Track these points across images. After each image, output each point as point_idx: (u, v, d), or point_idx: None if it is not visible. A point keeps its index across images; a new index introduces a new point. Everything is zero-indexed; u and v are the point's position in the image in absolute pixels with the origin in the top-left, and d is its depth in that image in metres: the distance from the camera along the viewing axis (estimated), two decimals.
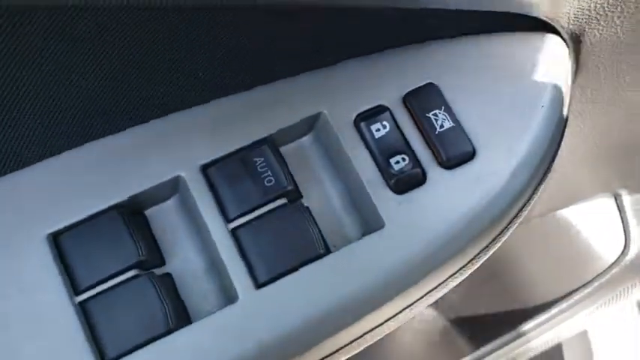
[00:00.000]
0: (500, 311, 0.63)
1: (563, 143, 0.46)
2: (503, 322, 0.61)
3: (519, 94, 0.31)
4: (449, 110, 0.30)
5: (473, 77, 0.31)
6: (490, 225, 0.30)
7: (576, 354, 0.93)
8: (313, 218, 0.29)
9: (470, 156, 0.30)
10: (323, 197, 0.31)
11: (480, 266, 0.69)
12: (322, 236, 0.29)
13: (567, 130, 0.44)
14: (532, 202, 0.32)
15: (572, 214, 0.58)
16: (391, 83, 0.31)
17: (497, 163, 0.29)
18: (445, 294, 0.75)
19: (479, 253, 0.31)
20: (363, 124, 0.30)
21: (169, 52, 0.28)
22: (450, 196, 0.29)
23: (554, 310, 0.59)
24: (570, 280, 0.59)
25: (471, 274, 0.73)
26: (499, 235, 0.31)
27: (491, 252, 0.32)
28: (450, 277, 0.31)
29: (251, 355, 0.27)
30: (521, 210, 0.31)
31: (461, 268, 0.31)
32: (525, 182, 0.30)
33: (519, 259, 0.61)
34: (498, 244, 0.32)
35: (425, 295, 0.30)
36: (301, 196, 0.30)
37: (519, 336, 0.60)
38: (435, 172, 0.30)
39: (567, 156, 0.49)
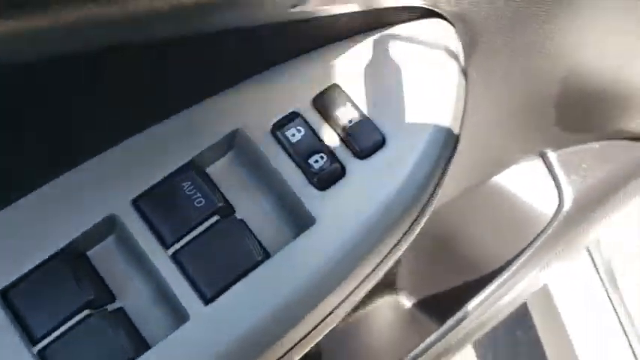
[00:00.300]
0: (458, 284, 0.66)
1: (480, 115, 0.49)
2: (464, 293, 0.64)
3: (416, 80, 0.33)
4: (354, 106, 0.32)
5: (372, 72, 0.33)
6: (411, 202, 0.32)
7: (541, 309, 0.97)
8: (248, 228, 0.31)
9: (381, 144, 0.32)
10: (255, 207, 0.32)
11: (429, 244, 0.72)
12: (260, 244, 0.31)
13: (478, 104, 0.47)
14: (444, 177, 0.34)
15: (506, 179, 0.61)
16: (299, 90, 0.33)
17: (406, 148, 0.32)
18: (402, 279, 0.77)
19: (407, 231, 0.33)
20: (279, 133, 0.32)
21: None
22: (368, 184, 0.31)
23: (507, 274, 0.62)
24: (517, 241, 0.62)
25: (421, 254, 0.75)
26: (423, 209, 0.33)
27: (417, 229, 0.34)
28: (384, 258, 0.33)
29: None
30: (437, 185, 0.33)
31: (391, 250, 0.33)
32: (435, 161, 0.32)
33: (465, 230, 0.64)
34: (424, 219, 0.34)
35: (364, 279, 0.32)
36: (234, 211, 0.32)
37: (481, 303, 0.63)
38: (352, 164, 0.32)
39: (486, 126, 0.52)
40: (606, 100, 0.56)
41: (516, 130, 0.54)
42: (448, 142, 0.33)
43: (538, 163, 0.62)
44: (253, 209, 0.32)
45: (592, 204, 0.63)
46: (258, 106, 0.32)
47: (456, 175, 0.56)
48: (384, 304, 0.74)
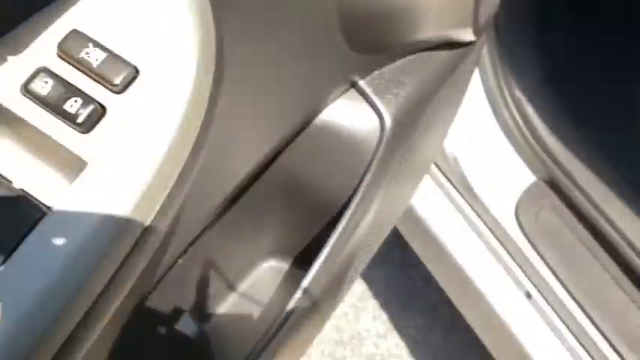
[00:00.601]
0: (320, 228, 0.68)
1: (277, 53, 0.51)
2: (322, 235, 0.65)
3: (156, 12, 0.34)
4: (98, 44, 0.33)
5: (110, 10, 0.34)
6: (183, 122, 0.33)
7: (415, 235, 1.02)
8: (25, 192, 0.31)
9: (134, 75, 0.32)
10: (30, 171, 0.32)
11: (285, 199, 0.72)
12: (40, 201, 0.31)
13: (269, 44, 0.48)
14: (217, 94, 0.35)
15: (330, 116, 0.64)
16: (42, 44, 0.33)
17: (161, 74, 0.32)
18: (274, 242, 0.77)
19: (192, 152, 0.33)
20: (28, 90, 0.32)
21: None
22: (132, 115, 0.32)
23: (354, 204, 0.64)
24: (355, 173, 0.65)
25: (281, 213, 0.76)
26: (203, 126, 0.34)
27: (201, 153, 0.34)
28: (176, 186, 0.33)
29: (14, 332, 0.28)
30: (211, 103, 0.34)
31: (178, 179, 0.33)
32: (194, 83, 0.33)
33: (309, 175, 0.65)
34: (205, 139, 0.34)
35: (162, 210, 0.32)
36: (9, 181, 0.32)
37: (340, 239, 0.64)
38: (111, 101, 0.32)
39: (287, 65, 0.54)
40: (390, 17, 0.60)
41: (318, 63, 0.57)
42: (204, 64, 0.34)
43: (353, 93, 0.65)
44: (27, 173, 0.32)
45: (412, 118, 0.67)
46: (4, 69, 0.32)
47: (277, 116, 0.57)
48: (263, 272, 0.74)
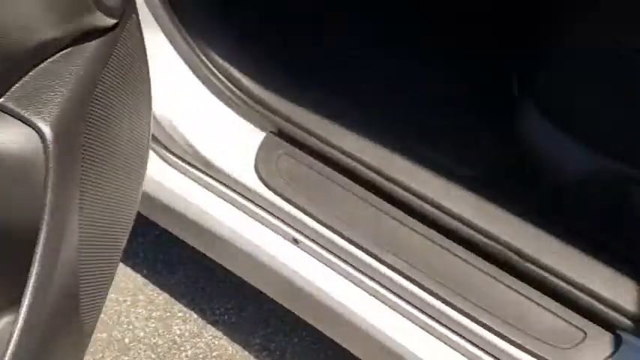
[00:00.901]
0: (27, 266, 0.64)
1: None
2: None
3: None
4: None
5: None
6: None
7: (164, 217, 1.01)
8: None
9: None
10: None
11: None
12: None
13: None
14: None
15: None
16: None
17: None
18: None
19: None
20: None
21: None
22: None
23: (45, 223, 0.61)
24: (37, 191, 0.61)
25: None
26: None
27: None
28: None
29: None
30: None
31: None
32: None
33: None
34: None
35: None
36: None
37: (43, 261, 0.61)
38: None
39: None
40: None
41: None
42: None
43: None
44: None
45: (78, 117, 0.65)
46: None
47: None
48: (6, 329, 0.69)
